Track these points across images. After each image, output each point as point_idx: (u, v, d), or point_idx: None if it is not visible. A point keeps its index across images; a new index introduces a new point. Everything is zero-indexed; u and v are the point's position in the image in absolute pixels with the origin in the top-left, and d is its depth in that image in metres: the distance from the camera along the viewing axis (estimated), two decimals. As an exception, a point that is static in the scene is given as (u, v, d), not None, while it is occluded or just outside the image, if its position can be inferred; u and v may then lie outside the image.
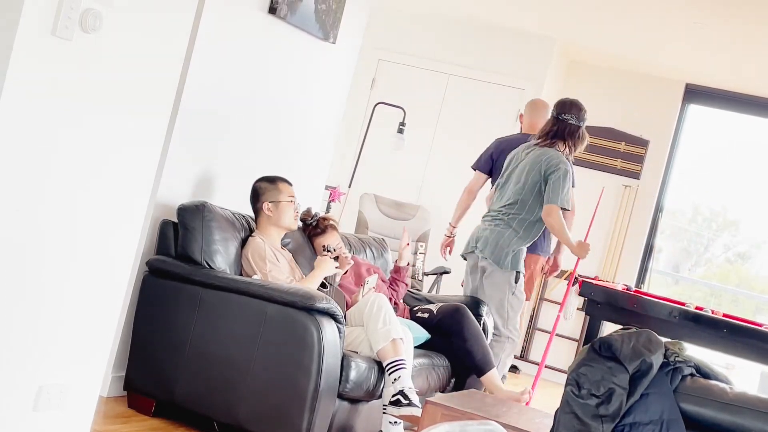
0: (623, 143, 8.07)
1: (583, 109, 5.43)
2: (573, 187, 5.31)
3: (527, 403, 4.55)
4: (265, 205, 4.37)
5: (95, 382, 3.09)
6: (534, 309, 8.16)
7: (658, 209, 8.11)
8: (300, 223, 4.73)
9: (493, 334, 5.19)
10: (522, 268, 5.25)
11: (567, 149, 5.30)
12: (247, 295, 3.94)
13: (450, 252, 6.02)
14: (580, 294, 6.77)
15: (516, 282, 5.23)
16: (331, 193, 6.47)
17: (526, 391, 4.68)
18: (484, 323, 5.14)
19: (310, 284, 4.25)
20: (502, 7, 7.22)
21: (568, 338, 8.06)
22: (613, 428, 2.81)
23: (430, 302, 5.13)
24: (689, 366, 2.92)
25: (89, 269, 2.93)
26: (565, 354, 8.00)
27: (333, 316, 3.90)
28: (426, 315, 4.90)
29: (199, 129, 4.41)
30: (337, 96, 5.46)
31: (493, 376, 4.78)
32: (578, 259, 5.46)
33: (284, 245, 4.55)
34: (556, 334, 8.05)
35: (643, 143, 8.03)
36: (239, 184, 4.64)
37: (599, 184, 8.08)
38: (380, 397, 4.15)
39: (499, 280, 5.22)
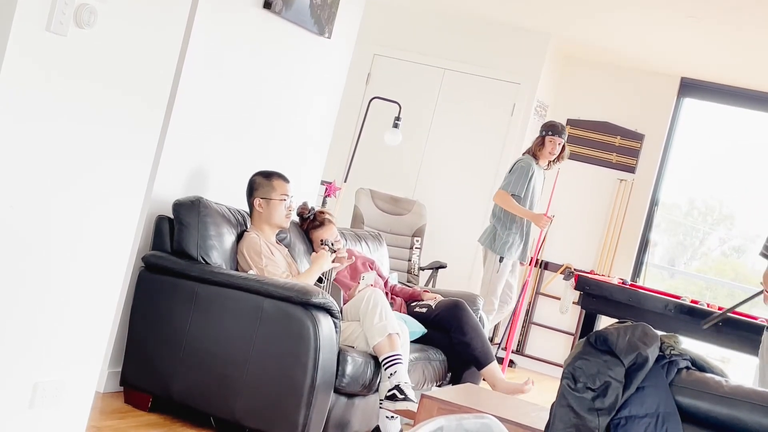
0: (618, 137, 8.07)
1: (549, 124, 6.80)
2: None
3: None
4: (257, 201, 4.37)
5: (91, 378, 3.09)
6: (530, 303, 8.16)
7: (654, 203, 8.12)
8: (296, 219, 4.73)
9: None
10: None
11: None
12: (243, 290, 3.94)
13: None
14: (576, 288, 6.79)
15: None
16: (326, 188, 6.47)
17: (529, 381, 4.75)
18: (480, 316, 5.16)
19: (307, 280, 4.24)
20: (497, 1, 7.21)
21: (565, 332, 8.08)
22: (609, 421, 2.81)
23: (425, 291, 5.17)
24: (685, 359, 2.92)
25: (85, 265, 2.93)
26: (561, 348, 8.02)
27: (329, 311, 3.90)
28: (424, 310, 4.91)
29: (194, 124, 4.41)
30: (333, 91, 5.46)
31: (494, 369, 4.79)
32: (540, 231, 6.66)
33: (280, 240, 4.55)
34: (553, 328, 8.09)
35: (638, 137, 8.03)
36: (234, 180, 4.64)
37: (594, 178, 8.10)
38: (377, 391, 4.15)
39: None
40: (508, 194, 6.56)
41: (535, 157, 6.64)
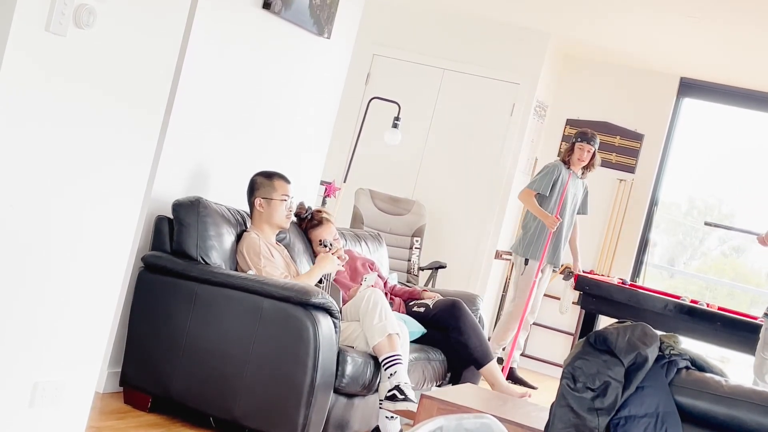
0: (618, 137, 8.07)
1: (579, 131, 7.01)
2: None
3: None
4: (258, 201, 4.37)
5: (91, 378, 3.09)
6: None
7: (653, 203, 8.12)
8: (294, 219, 4.73)
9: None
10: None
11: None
12: (243, 291, 3.94)
13: None
14: (576, 288, 6.79)
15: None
16: (326, 189, 6.47)
17: (526, 394, 4.74)
18: (480, 316, 5.16)
19: (309, 280, 4.24)
20: (497, 1, 7.22)
21: (564, 332, 8.07)
22: (609, 421, 2.81)
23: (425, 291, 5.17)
24: (684, 359, 2.92)
25: (85, 265, 2.93)
26: (561, 348, 8.01)
27: (329, 311, 3.90)
28: (422, 309, 4.90)
29: (193, 124, 4.41)
30: (332, 91, 5.46)
31: (492, 368, 4.79)
32: (550, 231, 6.66)
33: (279, 240, 4.55)
34: (553, 328, 8.08)
35: (637, 137, 8.03)
36: (234, 180, 4.64)
37: (594, 178, 8.09)
38: (376, 391, 4.15)
39: None
40: (530, 192, 6.74)
41: (566, 163, 6.76)
